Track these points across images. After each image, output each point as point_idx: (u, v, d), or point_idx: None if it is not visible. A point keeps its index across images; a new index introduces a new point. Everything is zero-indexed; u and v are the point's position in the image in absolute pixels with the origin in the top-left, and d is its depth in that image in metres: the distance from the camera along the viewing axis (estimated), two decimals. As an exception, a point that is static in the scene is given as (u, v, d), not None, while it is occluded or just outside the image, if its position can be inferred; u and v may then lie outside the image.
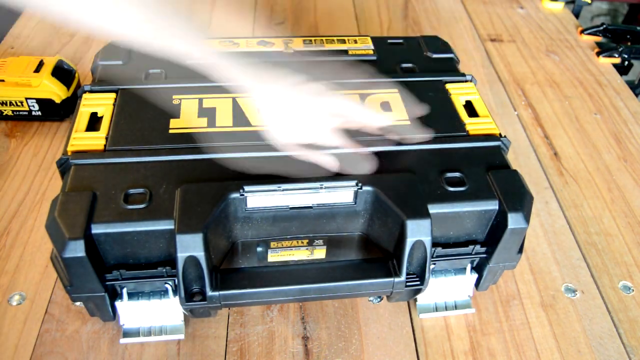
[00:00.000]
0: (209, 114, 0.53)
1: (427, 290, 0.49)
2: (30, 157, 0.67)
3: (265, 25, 0.96)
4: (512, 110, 0.82)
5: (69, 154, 0.49)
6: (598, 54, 0.95)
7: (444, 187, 0.48)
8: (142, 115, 0.53)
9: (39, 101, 0.70)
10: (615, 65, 0.94)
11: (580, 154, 0.76)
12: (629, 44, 0.98)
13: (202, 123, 0.52)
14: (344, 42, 0.65)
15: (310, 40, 0.65)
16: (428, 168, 0.49)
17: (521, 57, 0.94)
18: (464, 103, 0.58)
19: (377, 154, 0.50)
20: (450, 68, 0.63)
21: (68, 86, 0.71)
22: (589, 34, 1.00)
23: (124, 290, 0.47)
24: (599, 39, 1.00)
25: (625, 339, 0.54)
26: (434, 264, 0.50)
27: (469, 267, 0.52)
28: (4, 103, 0.69)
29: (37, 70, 0.69)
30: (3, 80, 0.69)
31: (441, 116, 0.56)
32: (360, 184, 0.46)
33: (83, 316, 0.52)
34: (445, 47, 0.66)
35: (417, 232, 0.44)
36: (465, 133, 0.54)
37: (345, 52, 0.64)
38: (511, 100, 0.84)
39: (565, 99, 0.85)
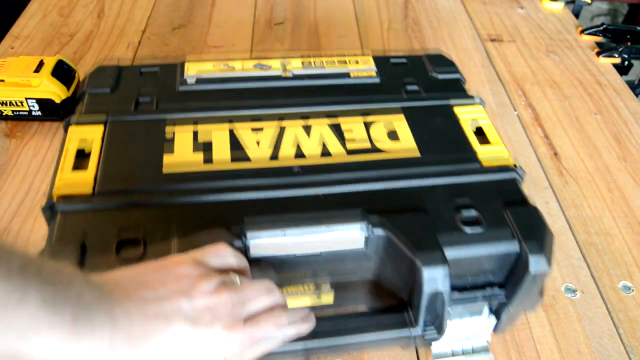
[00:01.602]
0: (205, 148, 0.50)
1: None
2: (30, 157, 0.67)
3: (265, 25, 0.96)
4: (512, 110, 0.82)
5: (55, 198, 0.45)
6: (598, 54, 0.95)
7: (460, 227, 0.45)
8: (132, 151, 0.50)
9: (39, 101, 0.69)
10: (615, 65, 0.94)
11: (580, 154, 0.76)
12: (629, 44, 0.98)
13: (198, 159, 0.49)
14: (344, 62, 0.62)
15: (310, 62, 0.62)
16: (441, 206, 0.46)
17: (521, 57, 0.94)
18: (474, 129, 0.55)
19: (387, 191, 0.48)
20: (458, 89, 0.61)
21: (68, 86, 0.71)
22: (589, 34, 1.00)
23: None
24: (599, 39, 1.00)
25: (625, 339, 0.54)
26: (450, 309, 0.47)
27: (486, 310, 0.49)
28: (4, 103, 0.69)
29: (37, 70, 0.69)
30: (3, 80, 0.69)
31: (451, 145, 0.53)
32: (370, 229, 0.43)
33: (83, 316, 0.52)
34: (450, 66, 0.63)
35: (435, 282, 0.42)
36: (477, 164, 0.51)
37: (346, 74, 0.61)
38: (511, 100, 0.84)
39: (565, 99, 0.85)
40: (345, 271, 0.46)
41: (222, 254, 0.38)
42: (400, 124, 0.55)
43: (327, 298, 0.47)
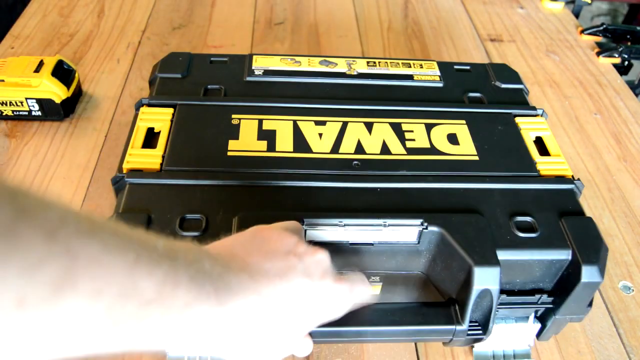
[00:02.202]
0: (268, 136, 0.52)
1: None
2: (30, 157, 0.67)
3: (265, 25, 0.96)
4: (512, 110, 0.82)
5: (125, 171, 0.48)
6: (598, 54, 0.95)
7: (513, 232, 0.45)
8: (200, 133, 0.52)
9: (39, 101, 0.69)
10: (615, 65, 0.94)
11: (580, 154, 0.76)
12: (629, 44, 0.98)
13: (262, 146, 0.51)
14: (409, 66, 0.63)
15: (375, 63, 0.63)
16: (497, 210, 0.47)
17: (521, 57, 0.94)
18: (534, 139, 0.56)
19: (443, 191, 0.49)
20: (520, 100, 0.61)
21: (68, 86, 0.71)
22: (589, 34, 1.00)
23: None
24: (599, 39, 1.00)
25: (625, 339, 0.54)
26: (497, 311, 0.47)
27: (532, 316, 0.49)
28: (4, 103, 0.69)
29: (37, 70, 0.69)
30: (3, 80, 0.69)
31: (510, 153, 0.53)
32: (425, 224, 0.44)
33: (83, 316, 0.52)
34: (514, 76, 0.64)
35: (485, 280, 0.42)
36: (536, 173, 0.52)
37: (410, 77, 0.62)
38: (511, 100, 0.84)
39: (565, 99, 0.85)
40: (396, 265, 0.47)
41: (292, 228, 0.40)
42: (461, 128, 0.55)
43: (375, 289, 0.48)
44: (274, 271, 0.34)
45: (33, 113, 0.71)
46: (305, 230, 0.43)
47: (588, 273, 0.44)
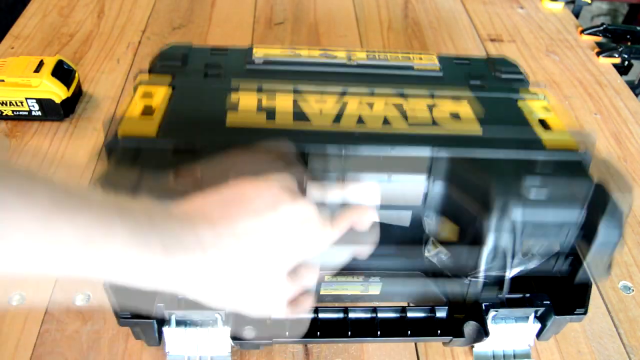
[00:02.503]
0: (268, 110, 0.52)
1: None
2: (30, 157, 0.67)
3: (265, 25, 0.96)
4: (512, 110, 0.82)
5: (119, 137, 0.47)
6: (598, 54, 0.95)
7: (525, 193, 0.44)
8: (198, 107, 0.52)
9: (39, 101, 0.70)
10: (615, 65, 0.94)
11: (580, 154, 0.76)
12: (629, 44, 0.98)
13: (261, 118, 0.51)
14: (408, 58, 0.63)
15: (375, 55, 0.63)
16: (505, 172, 0.46)
17: (521, 57, 0.94)
18: (538, 119, 0.55)
19: (450, 158, 0.48)
20: (521, 87, 0.61)
21: (68, 86, 0.71)
22: (589, 34, 1.00)
23: (173, 317, 0.46)
24: (599, 39, 1.00)
25: (625, 339, 0.54)
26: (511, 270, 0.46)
27: (532, 316, 0.49)
28: (4, 103, 0.70)
29: (37, 70, 0.69)
30: (3, 80, 0.69)
31: (515, 129, 0.53)
32: (432, 179, 0.44)
33: (83, 316, 0.52)
34: (514, 67, 0.63)
35: (505, 212, 0.42)
36: (541, 145, 0.51)
37: (410, 67, 0.62)
38: (511, 100, 0.84)
39: (565, 99, 0.85)
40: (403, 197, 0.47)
41: (279, 177, 0.40)
42: (463, 108, 0.55)
43: (374, 289, 0.48)
44: (240, 230, 0.34)
45: (33, 113, 0.71)
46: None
47: (605, 231, 0.43)
